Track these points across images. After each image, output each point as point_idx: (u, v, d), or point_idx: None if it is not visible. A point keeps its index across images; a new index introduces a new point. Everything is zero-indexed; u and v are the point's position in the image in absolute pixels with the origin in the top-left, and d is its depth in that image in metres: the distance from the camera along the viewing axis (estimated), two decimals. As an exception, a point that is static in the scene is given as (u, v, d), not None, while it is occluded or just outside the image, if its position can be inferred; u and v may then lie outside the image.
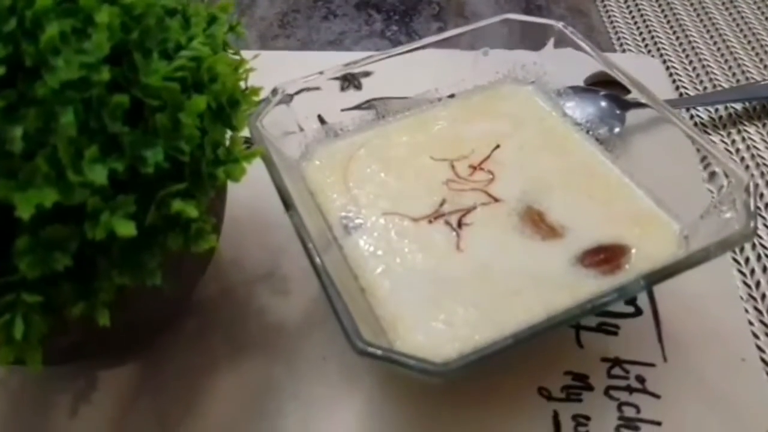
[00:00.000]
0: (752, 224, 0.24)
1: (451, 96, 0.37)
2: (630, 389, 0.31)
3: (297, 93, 0.35)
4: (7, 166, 0.20)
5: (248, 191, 0.38)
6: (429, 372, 0.20)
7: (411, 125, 0.36)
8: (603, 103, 0.42)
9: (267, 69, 0.29)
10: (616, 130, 0.41)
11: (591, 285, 0.27)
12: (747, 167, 0.43)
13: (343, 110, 0.37)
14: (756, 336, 0.34)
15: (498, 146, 0.33)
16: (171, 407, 0.31)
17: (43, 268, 0.20)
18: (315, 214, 0.30)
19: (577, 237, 0.29)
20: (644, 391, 0.31)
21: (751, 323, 0.34)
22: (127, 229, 0.20)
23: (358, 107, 0.40)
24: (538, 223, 0.30)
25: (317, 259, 0.24)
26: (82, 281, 0.22)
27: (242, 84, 0.28)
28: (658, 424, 0.30)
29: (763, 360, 0.32)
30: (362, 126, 0.36)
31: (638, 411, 0.30)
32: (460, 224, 0.30)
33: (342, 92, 0.45)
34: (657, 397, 0.31)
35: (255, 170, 0.34)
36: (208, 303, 0.35)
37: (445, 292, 0.27)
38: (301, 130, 0.35)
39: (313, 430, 0.30)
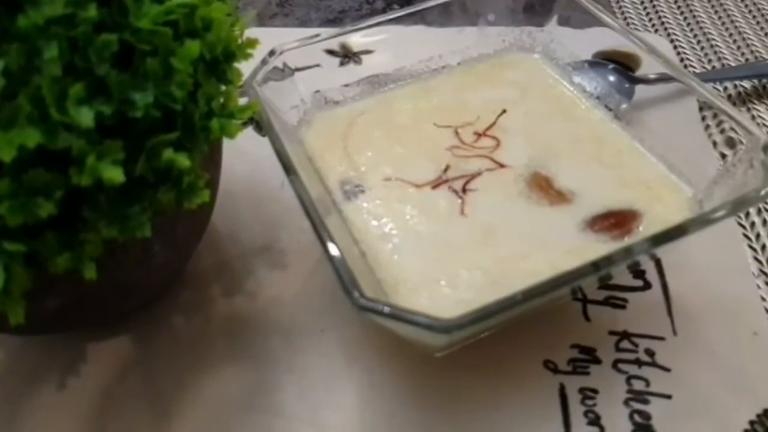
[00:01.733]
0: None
1: (456, 65, 0.36)
2: (639, 362, 0.30)
3: (297, 70, 0.33)
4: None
5: (244, 165, 0.37)
6: (433, 327, 0.19)
7: (414, 93, 0.34)
8: (611, 77, 0.41)
9: (265, 46, 0.28)
10: (624, 106, 0.40)
11: (601, 249, 0.26)
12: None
13: (344, 86, 0.36)
14: (768, 311, 0.33)
15: (504, 111, 0.32)
16: (163, 380, 0.30)
17: (26, 215, 0.19)
18: (314, 179, 0.29)
19: (586, 202, 0.28)
20: (654, 364, 0.30)
21: (763, 299, 0.33)
22: (115, 174, 0.19)
23: (357, 83, 0.39)
24: (545, 188, 0.29)
25: (317, 218, 0.22)
26: (68, 232, 0.20)
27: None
28: (669, 397, 0.29)
29: (775, 334, 0.31)
30: (362, 94, 0.34)
31: (648, 384, 0.29)
32: (464, 190, 0.29)
33: (341, 67, 0.44)
34: (667, 370, 0.30)
35: (252, 143, 0.33)
36: (202, 275, 0.34)
37: (449, 255, 0.26)
38: (302, 101, 0.34)
39: (312, 403, 0.29)
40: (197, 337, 0.32)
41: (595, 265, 0.22)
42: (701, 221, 0.23)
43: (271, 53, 0.31)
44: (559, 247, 0.26)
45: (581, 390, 0.29)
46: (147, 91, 0.20)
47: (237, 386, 0.30)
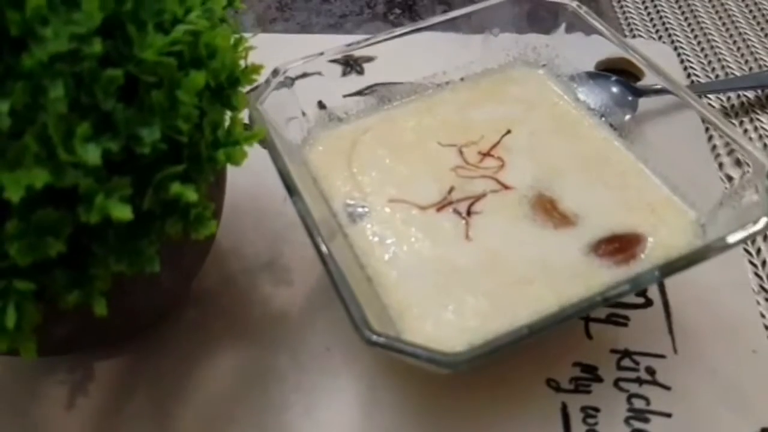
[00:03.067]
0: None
1: (460, 80, 0.36)
2: (640, 381, 0.30)
3: (298, 78, 0.33)
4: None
5: (248, 178, 0.37)
6: (438, 363, 0.20)
7: (417, 109, 0.34)
8: (614, 89, 0.41)
9: (265, 52, 0.28)
10: (627, 117, 0.40)
11: (604, 275, 0.26)
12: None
13: (345, 96, 0.36)
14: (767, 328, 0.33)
15: (509, 131, 0.32)
16: (170, 399, 0.30)
17: (35, 255, 0.19)
18: (318, 201, 0.29)
19: (590, 225, 0.28)
20: (654, 382, 0.30)
21: (762, 315, 0.34)
22: (123, 212, 0.19)
23: (360, 93, 0.39)
24: (550, 211, 0.29)
25: (323, 247, 0.23)
26: (77, 268, 0.21)
27: (242, 62, 0.27)
28: (668, 415, 0.29)
29: (775, 352, 0.32)
30: (367, 111, 0.34)
31: (648, 403, 0.30)
32: (469, 212, 0.29)
33: (344, 77, 0.44)
34: (667, 388, 0.30)
35: (255, 156, 0.33)
36: (207, 292, 0.34)
37: (454, 281, 0.27)
38: (303, 114, 0.34)
39: (317, 422, 0.29)
40: (203, 355, 0.32)
41: (601, 298, 0.22)
42: (709, 251, 0.23)
43: (275, 73, 0.31)
44: (564, 272, 0.27)
45: (583, 408, 0.29)
46: (154, 127, 0.20)
47: (245, 405, 0.30)
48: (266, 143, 0.29)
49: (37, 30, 0.18)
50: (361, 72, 0.50)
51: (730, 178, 0.27)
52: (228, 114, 0.26)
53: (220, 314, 0.34)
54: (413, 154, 0.32)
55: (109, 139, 0.20)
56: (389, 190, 0.30)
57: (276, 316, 0.33)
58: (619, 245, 0.27)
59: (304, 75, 0.33)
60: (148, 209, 0.21)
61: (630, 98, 0.40)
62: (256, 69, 0.25)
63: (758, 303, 0.34)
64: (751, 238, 0.24)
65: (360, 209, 0.30)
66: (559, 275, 0.26)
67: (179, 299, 0.33)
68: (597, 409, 0.30)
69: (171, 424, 0.30)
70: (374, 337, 0.20)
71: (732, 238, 0.23)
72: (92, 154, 0.19)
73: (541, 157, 0.31)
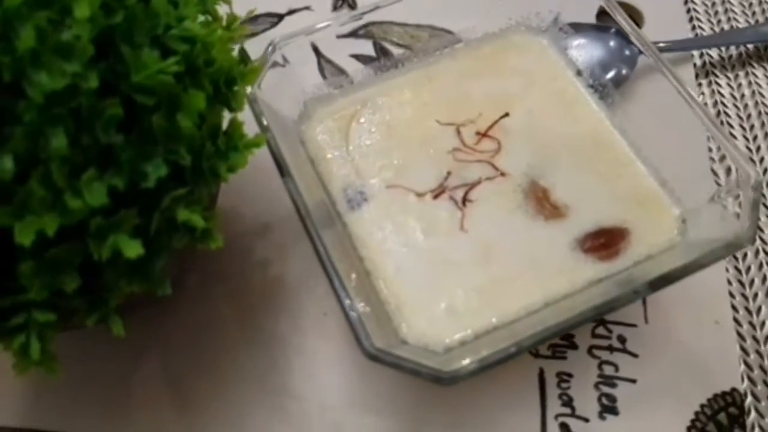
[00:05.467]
0: (754, 229, 0.24)
1: (460, 45, 0.34)
2: (611, 348, 0.33)
3: (286, 14, 0.32)
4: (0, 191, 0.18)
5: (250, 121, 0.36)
6: (439, 380, 0.22)
7: (416, 80, 0.34)
8: (612, 43, 0.40)
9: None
10: (625, 72, 0.39)
11: (589, 271, 0.28)
12: (746, 106, 0.43)
13: (338, 37, 0.35)
14: (732, 295, 0.36)
15: (507, 114, 0.32)
16: (180, 363, 0.32)
17: (52, 289, 0.20)
18: (316, 186, 0.30)
19: (579, 218, 0.29)
20: (624, 350, 0.33)
21: (729, 282, 0.36)
22: (133, 249, 0.20)
23: (354, 33, 0.37)
24: (542, 201, 0.30)
25: (326, 260, 0.24)
26: (92, 292, 0.21)
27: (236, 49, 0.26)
28: (633, 381, 0.33)
29: (736, 320, 0.35)
30: (364, 82, 0.33)
31: (617, 369, 0.33)
32: (464, 201, 0.30)
33: (335, 11, 0.42)
34: (635, 356, 0.33)
35: (250, 116, 0.32)
36: (208, 255, 0.35)
37: (448, 274, 0.28)
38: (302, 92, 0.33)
39: (319, 385, 0.32)
40: (207, 318, 0.33)
41: (593, 314, 0.24)
42: (698, 266, 0.25)
43: (272, 49, 0.30)
44: (551, 267, 0.28)
45: (558, 374, 0.33)
46: (157, 158, 0.20)
47: (250, 368, 0.32)
48: (261, 126, 0.28)
49: (30, 74, 0.18)
50: (353, 5, 0.47)
51: (728, 175, 0.27)
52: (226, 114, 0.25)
53: (221, 278, 0.35)
54: (411, 132, 0.32)
55: (113, 175, 0.20)
56: (387, 174, 0.31)
57: (276, 281, 0.35)
58: (605, 240, 0.29)
59: (291, 12, 0.32)
60: (156, 230, 0.22)
61: (628, 53, 0.40)
62: (255, 70, 0.25)
63: (727, 270, 0.36)
64: (732, 252, 0.25)
65: (358, 194, 0.30)
66: (545, 270, 0.28)
67: (187, 264, 0.34)
68: (570, 375, 0.33)
69: (183, 386, 0.32)
70: (374, 351, 0.22)
71: (714, 253, 0.24)
72: (98, 195, 0.19)
73: (537, 140, 0.32)
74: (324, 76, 0.36)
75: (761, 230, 0.37)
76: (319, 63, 0.36)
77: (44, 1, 0.18)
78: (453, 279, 0.28)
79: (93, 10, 0.19)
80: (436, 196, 0.30)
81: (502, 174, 0.31)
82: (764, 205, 0.35)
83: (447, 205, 0.30)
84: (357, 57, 0.39)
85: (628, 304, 0.24)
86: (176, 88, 0.21)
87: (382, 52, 0.40)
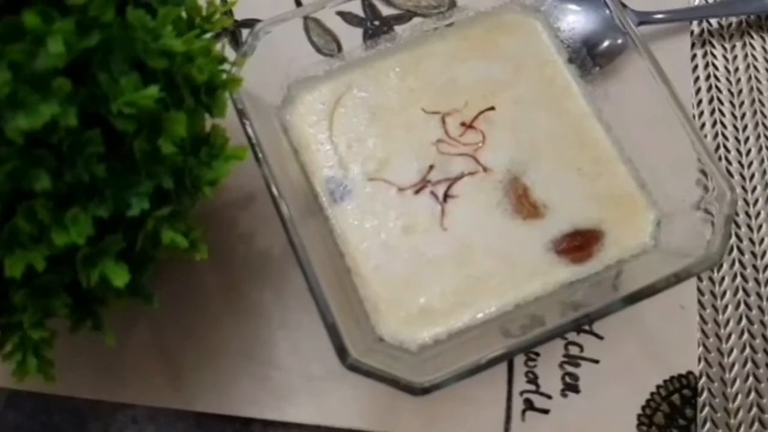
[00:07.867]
0: (724, 249, 0.25)
1: (449, 26, 0.33)
2: (578, 330, 0.35)
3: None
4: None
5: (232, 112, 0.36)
6: (413, 391, 0.23)
7: (403, 62, 0.33)
8: (607, 11, 0.39)
9: None
10: (619, 41, 0.38)
11: (561, 273, 0.29)
12: (738, 81, 0.42)
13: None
14: (700, 279, 0.37)
15: (493, 108, 0.31)
16: (169, 333, 0.33)
17: (45, 313, 0.21)
18: (299, 177, 0.30)
19: (556, 219, 0.30)
20: (590, 332, 0.35)
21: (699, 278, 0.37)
22: (121, 278, 0.20)
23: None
24: (521, 198, 0.30)
25: (310, 272, 0.24)
26: (83, 306, 0.22)
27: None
28: (596, 362, 0.35)
29: (700, 303, 0.37)
30: (350, 62, 0.32)
31: (582, 350, 0.35)
32: (446, 197, 0.30)
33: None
34: (600, 338, 0.35)
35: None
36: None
37: (427, 271, 0.29)
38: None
39: (302, 357, 0.33)
40: (193, 290, 0.34)
41: (572, 326, 0.25)
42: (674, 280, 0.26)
43: (253, 34, 0.29)
44: (525, 267, 0.29)
45: (526, 353, 0.35)
46: (141, 187, 0.20)
47: (237, 339, 0.34)
48: (241, 114, 0.28)
49: (7, 117, 0.17)
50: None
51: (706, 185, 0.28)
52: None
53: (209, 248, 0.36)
54: (396, 120, 0.32)
55: (97, 205, 0.20)
56: (370, 165, 0.31)
57: (260, 253, 0.36)
58: (579, 243, 0.29)
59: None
60: (141, 248, 0.22)
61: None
62: (236, 81, 0.24)
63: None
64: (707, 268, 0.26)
65: (341, 188, 0.30)
66: (519, 271, 0.29)
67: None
68: (537, 354, 0.35)
69: (172, 354, 0.33)
70: (353, 362, 0.24)
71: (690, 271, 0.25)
72: (84, 228, 0.19)
73: (521, 133, 0.31)
74: (310, 39, 0.34)
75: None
76: (305, 24, 0.34)
77: (16, 33, 0.18)
78: (430, 278, 0.29)
79: (67, 39, 0.18)
80: (417, 191, 0.30)
81: (485, 169, 0.31)
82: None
83: (428, 202, 0.30)
84: (343, 15, 0.37)
85: (606, 315, 0.26)
86: (157, 109, 0.21)
87: (370, 9, 0.39)
